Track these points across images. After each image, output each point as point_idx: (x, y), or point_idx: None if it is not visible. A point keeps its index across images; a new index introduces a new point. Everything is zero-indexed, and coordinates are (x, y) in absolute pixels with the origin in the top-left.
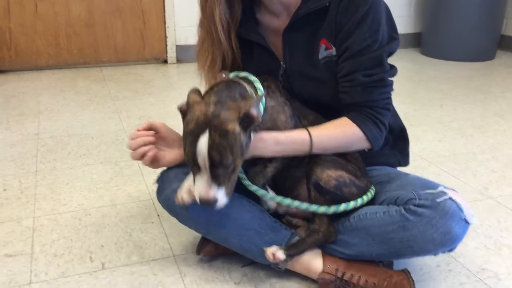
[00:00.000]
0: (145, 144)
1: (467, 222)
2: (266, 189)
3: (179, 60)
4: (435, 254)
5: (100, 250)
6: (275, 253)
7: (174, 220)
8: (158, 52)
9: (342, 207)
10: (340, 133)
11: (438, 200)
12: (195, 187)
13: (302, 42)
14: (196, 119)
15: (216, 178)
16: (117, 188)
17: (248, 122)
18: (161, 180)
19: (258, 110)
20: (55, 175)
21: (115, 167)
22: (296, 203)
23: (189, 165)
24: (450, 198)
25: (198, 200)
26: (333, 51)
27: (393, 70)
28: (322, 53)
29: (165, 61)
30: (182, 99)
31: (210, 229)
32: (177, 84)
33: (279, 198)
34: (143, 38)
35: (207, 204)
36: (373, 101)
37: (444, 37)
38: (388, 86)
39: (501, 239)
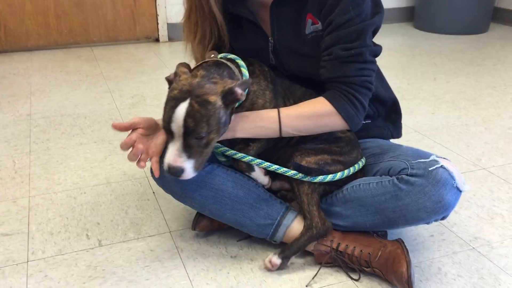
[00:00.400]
0: (134, 141)
1: (459, 190)
2: (251, 166)
3: (170, 39)
4: (428, 223)
5: (96, 227)
6: (271, 259)
7: (169, 197)
8: (150, 31)
9: (319, 178)
10: (311, 111)
11: (430, 168)
12: (166, 155)
13: (289, 17)
14: (180, 87)
15: (187, 147)
16: (112, 167)
17: (231, 99)
18: None
19: (242, 90)
20: (48, 155)
21: (109, 146)
22: (273, 166)
23: (164, 131)
24: (442, 167)
25: (165, 167)
26: (319, 25)
27: (376, 47)
28: (309, 28)
29: (157, 40)
30: None
31: (205, 205)
32: (169, 63)
33: (257, 161)
34: (133, 16)
35: (174, 173)
36: (349, 76)
37: (437, 10)
38: (367, 63)
39: (494, 208)
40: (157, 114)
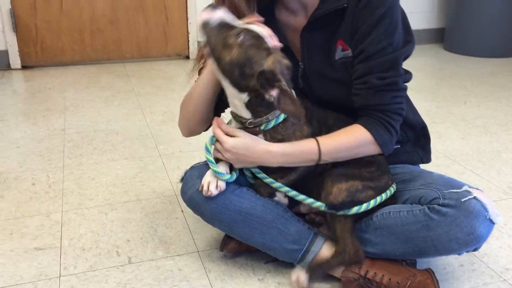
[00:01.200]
0: None
1: (492, 222)
2: (273, 194)
3: None
4: (459, 254)
5: (126, 244)
6: (299, 276)
7: (197, 216)
8: (180, 48)
9: (354, 210)
10: (350, 140)
11: (463, 199)
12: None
13: (319, 43)
14: None
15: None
16: (142, 184)
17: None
18: (185, 179)
19: (284, 81)
20: (81, 170)
21: (139, 163)
22: (302, 196)
23: None
24: (475, 198)
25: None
26: (349, 52)
27: (407, 75)
28: (339, 53)
29: (187, 57)
30: None
31: (234, 228)
32: None
33: (285, 188)
34: (165, 34)
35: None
36: (384, 104)
37: (467, 32)
38: (401, 91)
39: None
40: None
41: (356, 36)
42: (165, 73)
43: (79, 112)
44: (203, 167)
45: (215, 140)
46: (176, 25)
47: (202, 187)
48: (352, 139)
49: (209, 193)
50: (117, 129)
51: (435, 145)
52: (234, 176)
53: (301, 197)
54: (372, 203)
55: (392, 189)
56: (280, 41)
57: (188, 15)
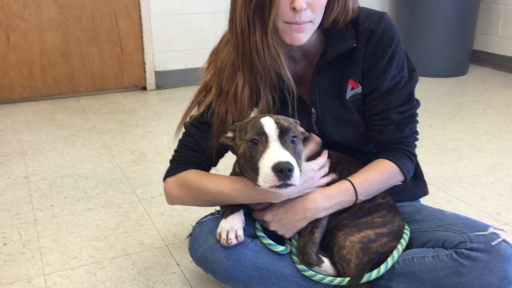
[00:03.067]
0: None
1: None
2: (319, 258)
3: (158, 87)
4: None
5: None
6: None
7: (195, 268)
8: (137, 79)
9: (374, 273)
10: (380, 175)
11: (493, 243)
12: (270, 155)
13: (330, 85)
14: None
15: (286, 148)
16: (127, 235)
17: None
18: (194, 235)
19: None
20: (56, 223)
21: (119, 211)
22: (328, 278)
23: (255, 137)
24: (504, 240)
25: (272, 166)
26: (359, 89)
27: (418, 103)
28: (349, 93)
29: (144, 88)
30: (171, 129)
31: (250, 286)
32: (162, 113)
33: (318, 276)
34: (121, 65)
35: (284, 168)
36: (405, 137)
37: (416, 53)
38: (416, 121)
39: None
40: (160, 171)
41: (369, 73)
42: (124, 107)
43: (40, 156)
44: (213, 220)
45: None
46: (132, 56)
47: (220, 235)
48: (382, 173)
49: (229, 242)
50: (86, 173)
51: None
52: (288, 248)
53: (327, 279)
54: (396, 254)
55: (407, 232)
56: (290, 92)
57: (144, 45)
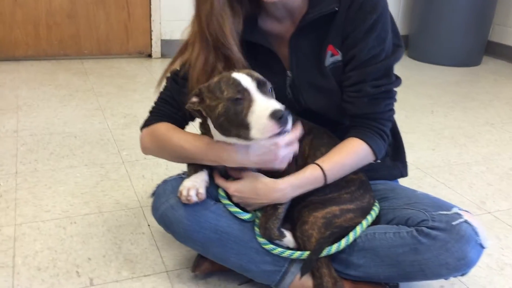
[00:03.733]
0: None
1: (482, 246)
2: (281, 232)
3: (163, 55)
4: (446, 279)
5: (87, 263)
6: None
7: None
8: (143, 46)
9: (334, 248)
10: (351, 157)
11: (453, 223)
12: (259, 109)
13: (309, 50)
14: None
15: (268, 96)
16: (104, 194)
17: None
18: (157, 194)
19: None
20: (36, 177)
21: (100, 170)
22: (288, 252)
23: (236, 95)
24: (466, 221)
25: (270, 115)
26: (339, 56)
27: (398, 80)
28: (329, 59)
29: (149, 56)
30: None
31: (209, 248)
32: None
33: (278, 250)
34: (127, 30)
35: (283, 115)
36: (379, 113)
37: (431, 40)
38: (393, 98)
39: (503, 257)
40: None
41: (347, 40)
42: (126, 72)
43: (33, 112)
44: (177, 180)
45: None
46: (138, 22)
47: (181, 193)
48: (353, 156)
49: (188, 198)
50: (76, 132)
51: (407, 156)
52: (254, 215)
53: (287, 252)
54: (358, 230)
55: (376, 209)
56: (267, 50)
57: (152, 12)
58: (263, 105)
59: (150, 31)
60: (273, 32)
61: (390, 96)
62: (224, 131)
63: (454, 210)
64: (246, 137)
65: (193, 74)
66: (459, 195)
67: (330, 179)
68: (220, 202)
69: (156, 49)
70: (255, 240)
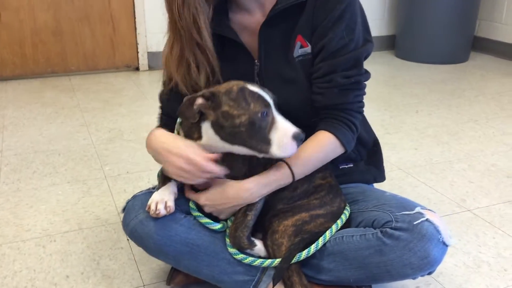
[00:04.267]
0: None
1: (445, 244)
2: (251, 242)
3: (151, 67)
4: (413, 278)
5: (65, 281)
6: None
7: None
8: (129, 59)
9: (304, 254)
10: (318, 151)
11: (415, 222)
12: (283, 125)
13: (278, 40)
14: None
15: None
16: (85, 210)
17: None
18: (126, 209)
19: None
20: (18, 197)
21: (83, 187)
22: (259, 261)
23: (262, 111)
24: (427, 220)
25: (292, 136)
26: (308, 49)
27: (367, 74)
28: (297, 51)
29: (137, 69)
30: (154, 109)
31: (180, 261)
32: (149, 93)
33: (249, 259)
34: (113, 45)
35: (302, 136)
36: (348, 103)
37: (418, 39)
38: (362, 89)
39: (480, 255)
40: (133, 149)
41: (316, 31)
42: (113, 86)
43: (18, 132)
44: (147, 195)
45: None
46: (124, 36)
47: (149, 207)
48: (320, 149)
49: (157, 212)
50: (60, 149)
51: (389, 157)
52: (226, 225)
53: (257, 261)
54: (328, 235)
55: (346, 212)
56: (235, 41)
57: (137, 25)
58: (285, 125)
59: (136, 44)
60: (244, 23)
61: (360, 87)
62: (235, 140)
63: (417, 209)
64: (264, 152)
65: (171, 63)
66: (439, 194)
67: (298, 175)
68: (191, 214)
69: (143, 61)
70: (226, 251)
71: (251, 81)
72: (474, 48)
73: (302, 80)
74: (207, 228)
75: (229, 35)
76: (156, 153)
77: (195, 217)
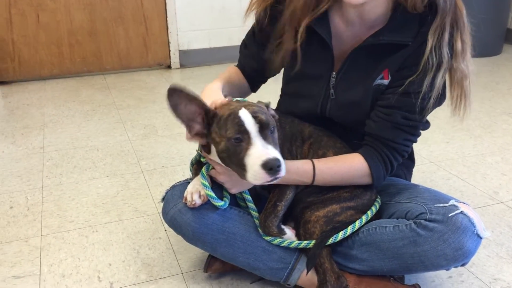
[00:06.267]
0: None
1: (479, 237)
2: (281, 230)
3: (182, 65)
4: (447, 269)
5: (108, 268)
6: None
7: None
8: (161, 58)
9: (330, 240)
10: (346, 169)
11: (450, 214)
12: (254, 155)
13: (363, 66)
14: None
15: (268, 143)
16: (124, 203)
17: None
18: (166, 199)
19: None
20: (61, 190)
21: (121, 180)
22: (295, 243)
23: (237, 136)
24: (462, 212)
25: (262, 165)
26: (387, 81)
27: (427, 124)
28: (377, 80)
29: (169, 67)
30: None
31: (217, 248)
32: None
33: (286, 242)
34: (146, 44)
35: (274, 166)
36: (395, 142)
37: None
38: (415, 136)
39: None
40: (168, 145)
41: (404, 70)
42: (146, 84)
43: (58, 129)
44: (185, 185)
45: (211, 167)
46: (156, 35)
47: (186, 199)
48: (349, 168)
49: (193, 203)
50: (98, 145)
51: (420, 150)
52: (227, 202)
53: (286, 241)
54: (357, 224)
55: (377, 204)
56: (326, 43)
57: (168, 25)
58: (258, 153)
59: (168, 43)
60: (339, 32)
61: (414, 133)
62: (226, 164)
63: (451, 202)
64: (243, 177)
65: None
66: (472, 186)
67: (318, 180)
68: (231, 206)
69: (174, 60)
70: (261, 239)
71: (324, 87)
72: (507, 41)
73: (367, 104)
74: (242, 215)
75: (323, 34)
76: None
77: (201, 185)
